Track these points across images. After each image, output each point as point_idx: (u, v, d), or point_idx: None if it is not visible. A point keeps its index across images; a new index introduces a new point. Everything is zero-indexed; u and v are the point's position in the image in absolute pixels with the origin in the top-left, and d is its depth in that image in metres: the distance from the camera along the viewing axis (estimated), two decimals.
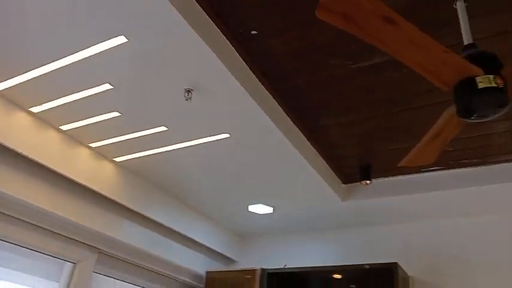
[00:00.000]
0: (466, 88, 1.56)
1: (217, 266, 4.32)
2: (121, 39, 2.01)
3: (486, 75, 1.53)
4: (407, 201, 3.43)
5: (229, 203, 3.80)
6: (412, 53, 1.52)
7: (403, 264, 3.34)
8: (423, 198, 3.36)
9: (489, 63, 1.58)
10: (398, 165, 2.27)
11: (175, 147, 2.89)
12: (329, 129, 2.91)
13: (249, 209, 3.88)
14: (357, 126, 2.84)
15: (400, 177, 3.38)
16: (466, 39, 1.76)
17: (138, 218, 3.45)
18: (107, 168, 3.14)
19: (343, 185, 3.58)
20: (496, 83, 1.52)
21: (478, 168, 3.15)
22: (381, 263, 3.38)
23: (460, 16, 1.83)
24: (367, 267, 3.42)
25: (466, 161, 3.11)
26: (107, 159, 3.12)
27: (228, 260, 4.49)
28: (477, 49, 1.70)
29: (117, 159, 3.12)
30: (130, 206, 3.29)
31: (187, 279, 4.09)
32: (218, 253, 4.33)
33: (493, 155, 3.01)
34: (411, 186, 3.34)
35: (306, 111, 2.72)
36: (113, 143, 2.89)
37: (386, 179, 3.42)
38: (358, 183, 3.43)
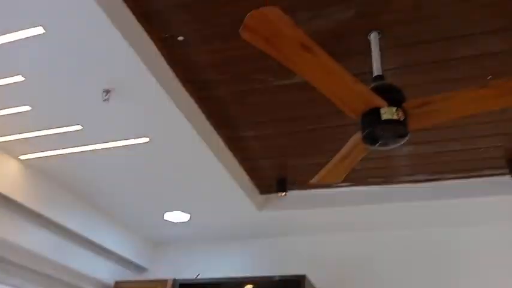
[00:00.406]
0: (371, 118, 1.70)
1: (127, 275, 4.16)
2: (39, 30, 1.89)
3: (389, 108, 1.67)
4: (319, 214, 3.60)
5: (143, 209, 3.70)
6: (325, 80, 1.62)
7: (312, 277, 3.49)
8: (334, 212, 3.55)
9: (393, 95, 1.73)
10: (310, 182, 2.39)
11: (90, 148, 2.76)
12: (249, 141, 2.97)
13: (165, 217, 3.82)
14: (276, 139, 2.93)
15: (313, 191, 3.53)
16: (376, 70, 1.92)
17: (42, 221, 3.23)
18: (11, 165, 2.91)
19: (260, 196, 3.67)
20: (397, 115, 1.67)
21: (383, 186, 3.41)
22: (290, 275, 3.48)
23: (372, 48, 1.99)
24: (277, 278, 3.52)
25: (372, 179, 3.34)
26: (11, 156, 2.90)
27: (139, 268, 4.34)
28: (384, 81, 1.86)
29: (23, 157, 2.90)
30: (33, 207, 3.06)
31: None
32: (129, 261, 4.17)
33: (395, 175, 3.27)
34: (323, 200, 3.51)
35: (228, 121, 2.75)
36: (19, 139, 2.69)
37: (301, 191, 3.55)
38: (274, 194, 3.55)
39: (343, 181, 3.18)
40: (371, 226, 3.73)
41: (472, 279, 3.34)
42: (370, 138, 1.75)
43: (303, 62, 1.53)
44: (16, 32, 1.92)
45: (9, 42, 1.95)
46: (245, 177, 3.37)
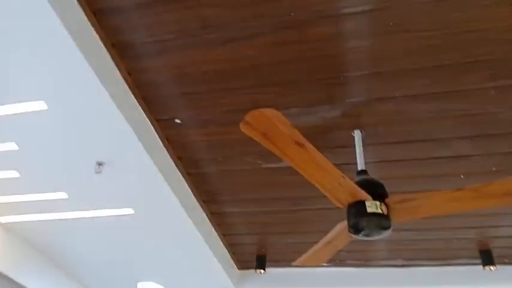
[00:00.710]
0: (357, 210, 1.80)
1: None
2: (41, 105, 1.97)
3: (374, 202, 1.78)
4: None
5: (117, 278, 3.60)
6: (315, 173, 1.73)
7: None
8: None
9: (377, 190, 1.85)
10: (293, 263, 2.42)
11: (72, 216, 2.74)
12: (232, 217, 3.01)
13: (138, 287, 3.71)
14: (258, 217, 2.98)
15: (292, 269, 3.52)
16: (360, 165, 2.05)
17: (11, 285, 3.09)
18: None
19: (238, 271, 3.63)
20: (381, 209, 1.77)
21: (361, 269, 3.44)
22: None
23: (356, 144, 2.15)
24: None
25: (350, 261, 3.38)
26: None
27: None
28: (367, 176, 1.99)
29: (2, 219, 2.85)
30: (4, 270, 2.96)
31: None
32: None
33: (373, 259, 3.33)
34: (301, 280, 3.50)
35: (213, 197, 2.81)
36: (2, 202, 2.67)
37: (279, 269, 3.55)
38: (253, 270, 3.52)
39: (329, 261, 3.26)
40: None
41: None
42: (355, 229, 1.84)
43: (296, 156, 1.65)
44: (18, 104, 1.99)
45: (10, 114, 2.02)
46: (225, 252, 3.37)
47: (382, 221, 1.79)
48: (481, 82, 1.89)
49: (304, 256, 2.34)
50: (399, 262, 3.35)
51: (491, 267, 3.04)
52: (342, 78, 1.93)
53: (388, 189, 1.90)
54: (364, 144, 2.18)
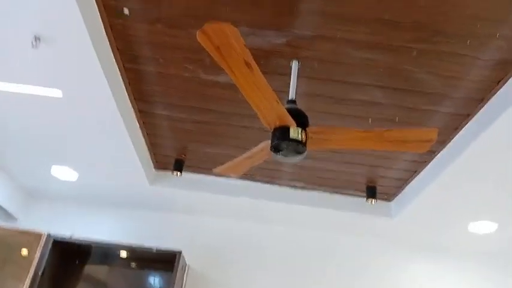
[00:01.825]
0: (281, 133, 2.05)
1: None
2: None
3: (297, 128, 2.04)
4: (205, 198, 3.91)
5: (32, 159, 3.58)
6: (254, 93, 1.91)
7: (186, 254, 3.78)
8: (219, 199, 3.89)
9: (301, 119, 2.10)
10: (213, 170, 2.67)
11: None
12: (160, 119, 3.12)
13: (52, 172, 3.75)
14: (185, 124, 3.14)
15: (205, 177, 3.82)
16: (291, 94, 2.28)
17: None
18: None
19: (154, 170, 3.83)
20: (301, 136, 2.05)
21: (266, 185, 3.85)
22: (167, 249, 3.74)
23: (292, 73, 2.35)
24: (154, 251, 3.73)
25: (259, 177, 3.76)
26: None
27: (7, 215, 4.15)
28: (296, 105, 2.23)
29: None
30: None
31: None
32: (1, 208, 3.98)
33: (278, 178, 3.73)
34: (213, 186, 3.82)
35: (146, 96, 2.87)
36: None
37: (194, 174, 3.81)
38: (169, 172, 3.75)
39: None
40: (253, 217, 4.17)
41: (329, 272, 4.03)
42: (276, 149, 2.10)
43: (242, 74, 1.80)
44: None
45: None
46: (145, 150, 3.51)
47: (299, 147, 2.07)
48: (408, 42, 2.16)
49: (224, 166, 2.59)
50: (299, 184, 3.81)
51: (373, 201, 3.62)
52: (294, 9, 2.07)
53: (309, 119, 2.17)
54: (299, 75, 2.40)
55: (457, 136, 2.79)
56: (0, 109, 2.92)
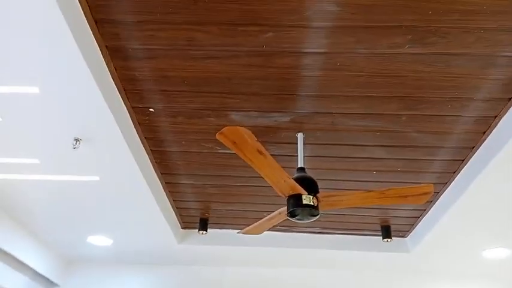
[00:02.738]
0: (295, 201, 2.34)
1: None
2: (33, 89, 2.22)
3: (308, 195, 2.34)
4: (229, 250, 4.19)
5: (70, 231, 3.93)
6: (268, 172, 2.22)
7: None
8: (243, 250, 4.17)
9: (311, 186, 2.40)
10: (238, 232, 2.97)
11: (40, 179, 3.01)
12: (184, 187, 3.46)
13: (88, 240, 4.08)
14: (207, 189, 3.47)
15: (228, 231, 4.11)
16: (300, 162, 2.59)
17: None
18: None
19: (182, 230, 4.14)
20: (313, 202, 2.34)
21: (285, 233, 4.11)
22: None
23: (298, 144, 2.67)
24: None
25: (277, 226, 4.02)
26: None
27: (49, 283, 4.48)
28: (305, 173, 2.53)
29: None
30: None
31: None
32: (43, 277, 4.29)
33: (296, 226, 4.00)
34: (236, 239, 4.10)
35: (172, 170, 3.22)
36: None
37: (218, 230, 4.11)
38: (195, 230, 4.05)
39: None
40: (272, 263, 4.42)
41: None
42: (292, 214, 2.40)
43: (256, 160, 2.12)
44: (11, 86, 2.21)
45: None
46: (172, 214, 3.83)
47: (313, 211, 2.36)
48: (396, 110, 2.47)
49: (248, 227, 2.89)
50: (317, 230, 4.07)
51: (388, 240, 3.86)
52: (294, 96, 2.41)
53: (318, 177, 2.47)
54: (305, 143, 2.71)
55: (457, 176, 3.05)
56: (48, 194, 3.28)
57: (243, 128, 1.94)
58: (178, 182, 3.38)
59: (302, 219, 2.43)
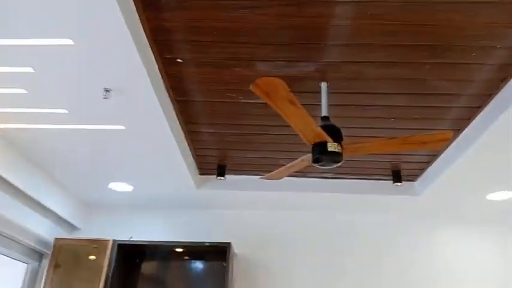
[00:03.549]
0: (320, 148, 2.46)
1: (61, 233, 4.49)
2: (65, 41, 2.24)
3: (333, 143, 2.45)
4: (246, 195, 4.38)
5: (90, 177, 4.07)
6: (297, 121, 2.31)
7: (235, 245, 4.28)
8: (259, 195, 4.36)
9: (336, 134, 2.50)
10: (260, 177, 3.12)
11: (67, 127, 3.10)
12: (204, 135, 3.56)
13: (109, 186, 4.24)
14: (227, 137, 3.57)
15: (245, 177, 4.27)
16: (324, 111, 2.68)
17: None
18: None
19: (199, 176, 4.30)
20: (338, 149, 2.45)
21: (300, 178, 4.28)
22: (217, 242, 4.24)
23: (322, 94, 2.74)
24: (207, 244, 4.25)
25: (294, 172, 4.17)
26: None
27: (71, 227, 4.70)
28: (329, 121, 2.62)
29: None
30: None
31: (32, 244, 4.19)
32: (63, 219, 4.49)
33: (309, 172, 4.16)
34: (253, 185, 4.27)
35: (195, 119, 3.30)
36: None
37: (234, 176, 4.27)
38: (213, 176, 4.21)
39: (271, 171, 4.04)
40: (289, 207, 4.65)
41: (361, 250, 4.51)
42: (317, 160, 2.52)
43: (287, 109, 2.21)
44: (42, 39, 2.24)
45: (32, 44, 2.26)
46: (192, 161, 3.97)
47: (337, 157, 2.48)
48: (421, 58, 2.52)
49: (271, 173, 3.03)
50: (330, 175, 4.23)
51: (398, 184, 4.03)
52: (322, 45, 2.44)
53: (341, 124, 2.57)
54: (328, 92, 2.78)
55: (471, 124, 3.15)
56: (72, 143, 3.38)
57: (277, 79, 2.01)
58: (200, 130, 3.47)
59: (326, 165, 2.56)
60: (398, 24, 2.25)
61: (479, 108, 2.99)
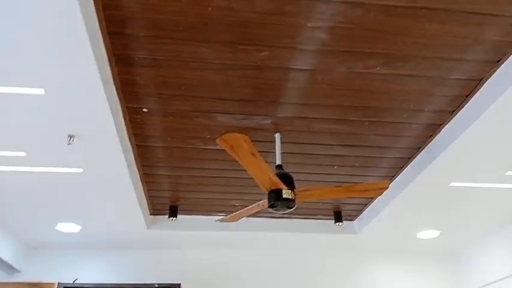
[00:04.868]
0: (276, 194, 2.70)
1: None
2: (39, 91, 2.33)
3: (287, 190, 2.71)
4: (195, 235, 4.49)
5: (37, 217, 3.98)
6: (256, 171, 2.55)
7: (185, 285, 4.33)
8: (209, 235, 4.49)
9: (289, 182, 2.77)
10: (218, 220, 3.29)
11: (22, 170, 3.09)
12: (160, 177, 3.67)
13: (57, 227, 4.15)
14: (182, 179, 3.71)
15: (196, 217, 4.40)
16: (278, 160, 2.94)
17: None
18: None
19: (151, 216, 4.35)
20: (291, 195, 2.71)
21: (249, 218, 4.48)
22: (167, 283, 4.27)
23: (276, 144, 3.02)
24: (156, 286, 4.25)
25: None
26: None
27: (11, 269, 4.48)
28: (282, 169, 2.89)
29: None
30: None
31: None
32: (2, 261, 4.28)
33: (260, 212, 4.37)
34: (204, 225, 4.40)
35: (152, 163, 3.42)
36: None
37: (187, 216, 4.38)
38: (164, 216, 4.29)
39: (221, 212, 4.23)
40: (239, 246, 4.81)
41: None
42: (272, 205, 2.76)
43: (248, 160, 2.44)
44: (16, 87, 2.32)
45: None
46: (144, 201, 4.03)
47: (291, 203, 2.74)
48: (361, 117, 2.89)
49: (228, 216, 3.22)
50: (277, 215, 4.47)
51: (339, 223, 4.38)
52: (277, 102, 2.74)
53: (290, 169, 2.86)
54: (282, 142, 3.06)
55: (403, 171, 3.58)
56: (27, 184, 3.34)
57: (241, 135, 2.25)
58: (156, 173, 3.59)
59: (280, 210, 2.81)
60: (342, 88, 2.61)
61: (409, 159, 3.43)
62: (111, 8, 2.03)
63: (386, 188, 2.88)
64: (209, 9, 2.04)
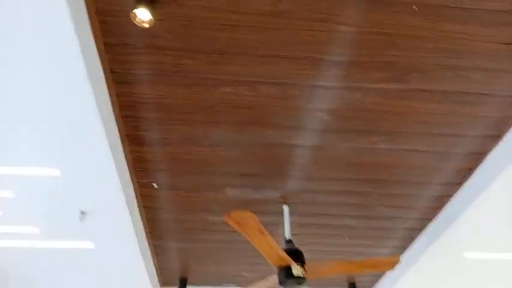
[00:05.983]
0: (285, 271, 2.66)
1: None
2: (54, 172, 2.43)
3: (297, 267, 2.67)
4: None
5: None
6: (264, 247, 2.54)
7: None
8: None
9: (299, 257, 2.73)
10: None
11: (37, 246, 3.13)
12: (170, 249, 3.67)
13: None
14: (192, 251, 3.70)
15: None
16: (287, 234, 2.93)
17: None
18: None
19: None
20: (301, 272, 2.67)
21: None
22: None
23: (284, 216, 3.02)
24: None
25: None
26: None
27: None
28: (292, 244, 2.87)
29: None
30: None
31: None
32: None
33: None
34: None
35: (162, 236, 3.44)
36: None
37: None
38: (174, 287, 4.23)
39: (231, 283, 4.16)
40: None
41: None
42: (282, 282, 2.70)
43: (256, 237, 2.44)
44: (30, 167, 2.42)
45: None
46: (155, 274, 3.99)
47: (301, 280, 2.68)
48: (368, 188, 2.91)
49: None
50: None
51: None
52: (285, 177, 2.79)
53: (302, 239, 2.84)
54: (290, 214, 3.07)
55: (416, 241, 3.52)
56: (41, 264, 3.37)
57: (248, 212, 2.28)
58: (166, 245, 3.59)
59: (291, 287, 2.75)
60: (348, 164, 2.66)
61: (420, 230, 3.38)
62: (123, 95, 2.17)
63: (398, 262, 2.82)
64: (216, 94, 2.16)
